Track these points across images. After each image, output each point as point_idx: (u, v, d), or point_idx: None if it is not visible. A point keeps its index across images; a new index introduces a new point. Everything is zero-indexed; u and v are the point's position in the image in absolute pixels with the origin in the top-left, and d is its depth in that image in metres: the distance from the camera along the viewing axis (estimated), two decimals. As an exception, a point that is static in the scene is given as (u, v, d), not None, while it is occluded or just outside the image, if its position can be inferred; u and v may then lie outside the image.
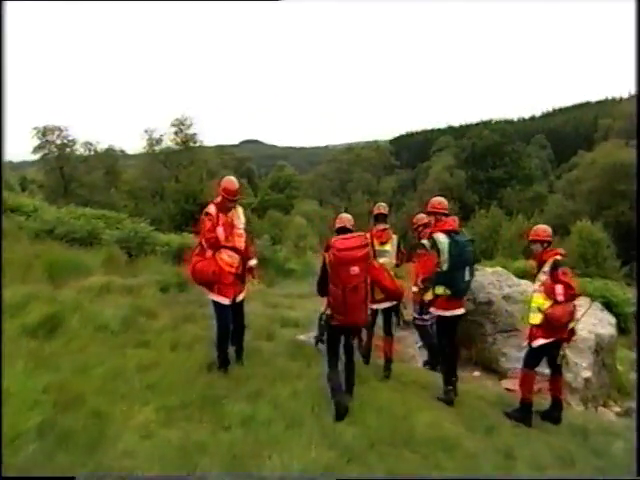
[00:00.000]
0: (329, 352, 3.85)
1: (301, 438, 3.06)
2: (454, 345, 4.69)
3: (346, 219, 3.99)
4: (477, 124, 70.44)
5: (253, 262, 4.25)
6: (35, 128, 35.14)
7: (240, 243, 4.08)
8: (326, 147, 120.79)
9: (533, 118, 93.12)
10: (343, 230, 3.90)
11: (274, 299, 8.43)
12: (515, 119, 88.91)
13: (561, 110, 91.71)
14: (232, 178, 4.18)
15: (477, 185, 53.67)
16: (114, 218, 11.49)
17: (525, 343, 4.50)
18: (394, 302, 4.77)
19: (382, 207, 5.16)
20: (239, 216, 4.18)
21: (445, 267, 4.33)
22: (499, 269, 7.10)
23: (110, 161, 41.17)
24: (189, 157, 36.90)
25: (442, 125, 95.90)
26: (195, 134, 38.28)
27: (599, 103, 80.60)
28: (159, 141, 38.55)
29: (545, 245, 4.36)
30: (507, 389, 5.54)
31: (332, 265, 3.58)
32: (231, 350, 4.19)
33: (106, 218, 11.17)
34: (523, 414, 4.33)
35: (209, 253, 3.96)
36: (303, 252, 19.26)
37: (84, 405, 2.88)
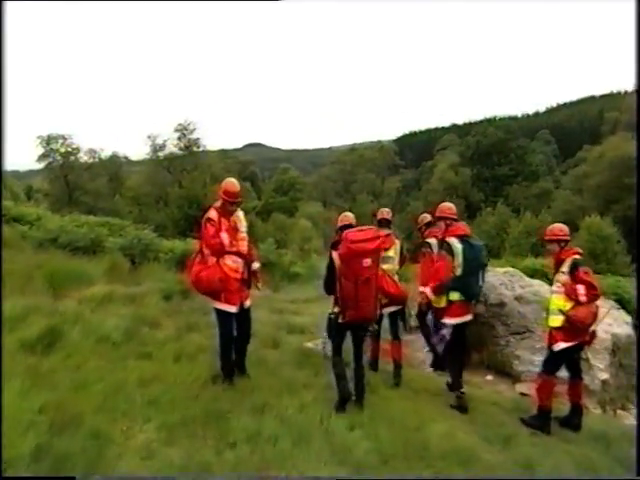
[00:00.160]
0: (334, 346, 3.87)
1: (310, 455, 2.92)
2: (465, 349, 4.66)
3: (351, 217, 4.08)
4: (481, 121, 70.16)
5: (256, 265, 4.12)
6: (39, 137, 35.44)
7: (244, 247, 3.96)
8: (329, 148, 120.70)
9: (537, 114, 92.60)
10: (348, 227, 3.89)
11: (279, 304, 8.31)
12: (519, 115, 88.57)
13: (565, 105, 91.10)
14: (233, 180, 4.05)
15: (482, 183, 53.26)
16: (117, 225, 11.46)
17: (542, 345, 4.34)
18: (399, 306, 4.82)
19: (385, 212, 5.20)
20: (241, 219, 4.05)
21: (459, 272, 4.29)
22: (510, 269, 6.92)
23: (114, 168, 41.43)
24: (193, 162, 36.89)
25: (446, 123, 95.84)
26: (198, 139, 38.29)
27: (604, 96, 79.96)
28: (162, 147, 38.57)
29: (562, 244, 4.20)
30: (522, 393, 5.37)
31: (344, 258, 3.61)
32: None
33: (109, 225, 11.16)
34: (541, 422, 4.16)
35: (212, 260, 3.81)
36: (308, 255, 19.15)
37: (82, 425, 2.75)
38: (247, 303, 4.01)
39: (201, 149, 38.84)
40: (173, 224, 26.34)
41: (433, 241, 5.27)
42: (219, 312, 3.89)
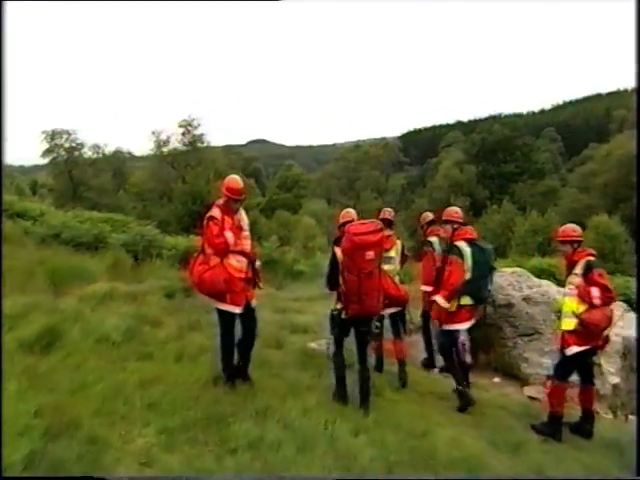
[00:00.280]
0: (335, 342, 3.88)
1: (314, 461, 2.82)
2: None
3: (352, 213, 4.16)
4: (486, 118, 69.87)
5: (257, 264, 4.01)
6: (44, 132, 35.39)
7: (247, 246, 3.86)
8: (334, 145, 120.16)
9: (543, 111, 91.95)
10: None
11: (283, 303, 8.20)
12: (524, 112, 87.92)
13: (571, 102, 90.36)
14: (236, 177, 3.93)
15: (488, 180, 52.76)
16: (120, 221, 11.38)
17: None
18: (399, 308, 4.81)
19: (387, 212, 5.18)
20: (244, 218, 3.94)
21: (469, 275, 4.28)
22: (518, 269, 6.78)
23: (118, 163, 41.30)
24: (197, 158, 36.74)
25: (450, 120, 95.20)
26: (202, 135, 38.02)
27: (611, 94, 79.08)
28: (166, 142, 38.42)
29: (575, 245, 4.08)
30: (530, 397, 5.27)
31: (347, 251, 3.60)
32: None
33: (112, 221, 11.08)
34: (552, 428, 4.04)
35: (215, 260, 3.68)
36: (312, 253, 19.02)
37: (79, 429, 2.66)
38: (253, 302, 3.90)
39: (205, 145, 38.75)
40: (177, 220, 26.33)
41: (435, 239, 5.31)
42: (222, 313, 3.78)
